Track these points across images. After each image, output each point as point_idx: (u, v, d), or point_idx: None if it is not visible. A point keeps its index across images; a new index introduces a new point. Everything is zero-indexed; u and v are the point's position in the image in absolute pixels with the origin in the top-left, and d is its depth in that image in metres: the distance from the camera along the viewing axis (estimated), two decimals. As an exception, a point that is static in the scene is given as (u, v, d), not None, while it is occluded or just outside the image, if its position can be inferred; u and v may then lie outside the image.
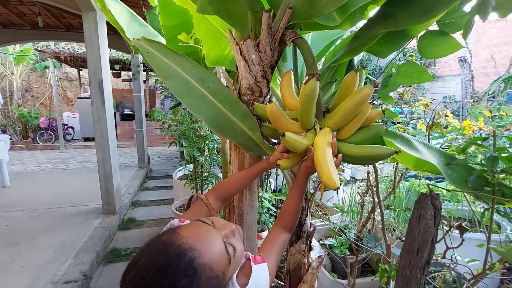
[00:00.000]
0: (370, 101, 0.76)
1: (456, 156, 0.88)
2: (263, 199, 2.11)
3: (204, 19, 1.36)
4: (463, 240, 1.00)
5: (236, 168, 1.05)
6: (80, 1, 3.06)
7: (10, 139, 9.63)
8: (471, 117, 2.95)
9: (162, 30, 1.58)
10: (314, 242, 1.95)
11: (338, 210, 2.68)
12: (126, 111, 11.26)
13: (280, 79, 1.03)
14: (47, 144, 9.53)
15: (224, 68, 1.32)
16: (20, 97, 10.65)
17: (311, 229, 1.18)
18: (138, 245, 3.25)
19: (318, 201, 3.16)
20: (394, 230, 1.89)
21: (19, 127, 9.99)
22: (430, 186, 0.95)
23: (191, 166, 2.82)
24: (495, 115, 1.41)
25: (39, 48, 7.82)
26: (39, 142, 9.53)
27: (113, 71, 10.48)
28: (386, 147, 0.74)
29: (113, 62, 9.10)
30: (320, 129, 0.84)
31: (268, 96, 1.06)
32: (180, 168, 3.55)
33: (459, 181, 0.88)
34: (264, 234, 2.00)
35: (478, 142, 0.91)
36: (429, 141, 1.20)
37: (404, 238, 1.85)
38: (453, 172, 0.86)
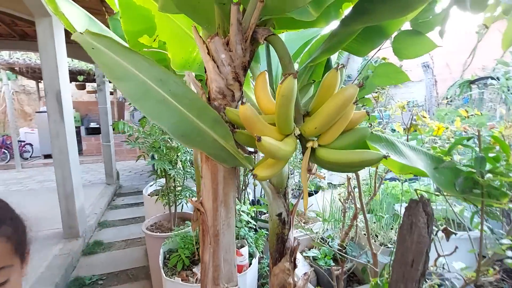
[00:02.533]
0: (354, 101, 0.69)
1: (442, 158, 0.83)
2: (241, 212, 1.98)
3: (168, 19, 1.24)
4: (456, 247, 0.95)
5: (209, 182, 0.93)
6: (32, 6, 2.79)
7: (-44, 160, 8.64)
8: (438, 119, 3.08)
9: (125, 37, 1.44)
10: (297, 255, 1.85)
11: (319, 218, 2.62)
12: (92, 125, 10.62)
13: (254, 82, 0.94)
14: (1, 164, 8.65)
15: (190, 72, 1.20)
16: (-32, 113, 9.64)
17: (295, 244, 1.08)
18: (105, 271, 2.95)
19: (297, 210, 3.09)
20: (377, 236, 1.86)
21: (-34, 146, 8.98)
22: (419, 191, 0.89)
23: (163, 180, 2.62)
24: (472, 115, 1.44)
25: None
26: (-10, 162, 8.62)
27: (77, 82, 9.88)
28: (375, 151, 0.66)
29: (76, 73, 8.57)
30: (300, 134, 0.75)
31: (242, 101, 0.95)
32: (152, 183, 3.31)
33: (447, 184, 0.83)
34: (244, 250, 1.86)
35: (464, 142, 0.88)
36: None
37: (388, 244, 1.81)
38: (440, 175, 0.81)
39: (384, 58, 1.48)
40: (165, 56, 1.52)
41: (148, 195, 3.16)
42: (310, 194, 2.97)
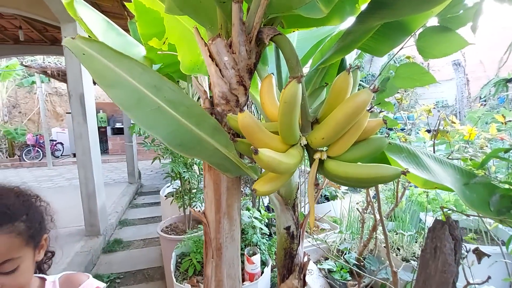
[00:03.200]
0: (368, 108, 0.61)
1: (474, 172, 0.72)
2: (254, 219, 1.92)
3: (176, 21, 1.22)
4: (489, 277, 0.83)
5: (212, 192, 0.88)
6: (57, 11, 2.91)
7: (-4, 157, 9.33)
8: (470, 122, 2.83)
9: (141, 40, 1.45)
10: (311, 266, 1.76)
11: (337, 225, 2.50)
12: (118, 125, 11.04)
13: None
14: (34, 162, 9.22)
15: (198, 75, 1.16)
16: (6, 114, 10.38)
17: (305, 260, 1.00)
18: (123, 269, 3.01)
19: (315, 215, 2.98)
20: (398, 250, 1.72)
21: (5, 145, 9.68)
22: (445, 209, 0.78)
23: (179, 182, 2.63)
24: (510, 120, 1.27)
25: (25, 63, 7.63)
26: (25, 160, 9.22)
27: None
28: (391, 167, 0.58)
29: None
30: (307, 144, 0.67)
31: (247, 106, 0.89)
32: (169, 184, 3.35)
33: (479, 203, 0.72)
34: (256, 258, 1.80)
35: (500, 154, 0.76)
36: (434, 152, 1.04)
37: (410, 260, 1.67)
38: (472, 193, 0.70)
39: (408, 57, 1.35)
40: (178, 60, 1.50)
41: (165, 196, 3.19)
42: (326, 199, 2.85)
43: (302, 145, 0.68)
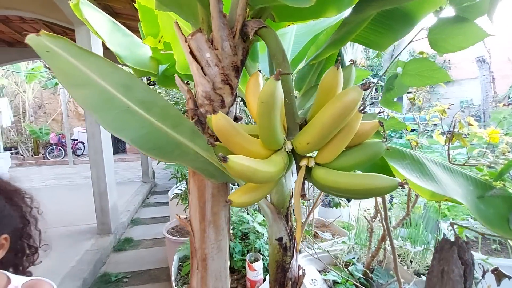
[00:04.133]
0: (360, 108, 0.52)
1: (491, 183, 0.62)
2: (257, 224, 1.85)
3: (169, 18, 1.17)
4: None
5: (196, 199, 0.82)
6: (70, 14, 2.98)
7: (21, 155, 9.82)
8: (495, 123, 2.61)
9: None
10: (316, 275, 1.67)
11: (346, 231, 2.38)
12: (134, 125, 11.30)
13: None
14: (57, 160, 9.62)
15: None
16: (32, 114, 10.90)
17: (300, 273, 0.92)
18: (130, 269, 3.03)
19: (324, 220, 2.87)
20: (411, 262, 1.59)
21: (30, 144, 10.16)
22: (455, 226, 0.68)
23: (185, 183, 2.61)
24: None
25: (47, 66, 7.95)
26: (49, 158, 9.64)
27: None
28: (388, 177, 0.49)
29: (120, 77, 9.21)
30: (292, 149, 0.60)
31: (234, 107, 0.83)
32: (178, 184, 3.34)
33: (496, 219, 0.61)
34: (258, 264, 1.73)
35: (524, 163, 0.65)
36: (449, 158, 0.93)
37: (424, 274, 1.54)
38: (488, 208, 0.60)
39: (421, 53, 1.24)
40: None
41: (172, 196, 3.19)
42: (337, 206, 2.73)
43: (287, 150, 0.60)
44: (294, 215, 0.72)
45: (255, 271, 1.73)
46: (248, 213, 1.97)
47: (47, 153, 9.71)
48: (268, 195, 0.91)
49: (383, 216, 1.23)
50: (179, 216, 0.88)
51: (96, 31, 1.61)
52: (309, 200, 0.69)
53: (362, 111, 0.53)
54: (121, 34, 1.91)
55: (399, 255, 1.55)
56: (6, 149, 9.21)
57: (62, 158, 9.76)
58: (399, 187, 0.48)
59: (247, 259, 1.77)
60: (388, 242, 1.50)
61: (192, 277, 0.87)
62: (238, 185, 0.87)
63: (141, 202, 5.25)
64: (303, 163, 0.59)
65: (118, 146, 11.25)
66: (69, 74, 0.56)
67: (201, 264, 0.84)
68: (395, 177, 0.59)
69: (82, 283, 2.55)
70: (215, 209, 0.83)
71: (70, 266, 2.76)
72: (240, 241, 1.97)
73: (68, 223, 3.81)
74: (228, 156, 0.47)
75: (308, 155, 0.61)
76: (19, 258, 0.84)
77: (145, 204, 5.30)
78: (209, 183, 0.81)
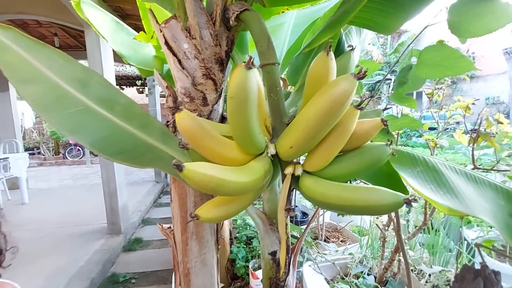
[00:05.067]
0: (357, 104, 0.42)
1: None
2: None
3: (161, 11, 1.10)
4: None
5: (177, 208, 0.74)
6: (79, 16, 3.00)
7: (43, 155, 10.22)
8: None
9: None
10: (324, 285, 1.55)
11: (358, 236, 2.24)
12: (149, 125, 11.48)
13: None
14: (75, 160, 9.93)
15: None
16: (53, 116, 11.33)
17: (297, 292, 0.82)
18: (138, 269, 3.02)
19: (336, 224, 2.72)
20: (429, 275, 1.43)
21: (51, 144, 10.56)
22: (481, 249, 0.55)
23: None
24: None
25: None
26: (68, 158, 9.97)
27: (136, 87, 10.83)
28: (388, 191, 0.38)
29: (134, 78, 9.36)
30: (276, 154, 0.50)
31: (221, 105, 0.74)
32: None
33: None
34: (260, 272, 1.63)
35: None
36: (473, 162, 0.79)
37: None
38: (524, 227, 0.47)
39: (441, 41, 1.09)
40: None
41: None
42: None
43: (269, 155, 0.50)
44: (279, 250, 0.61)
45: (258, 279, 1.63)
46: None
47: (66, 153, 10.05)
48: (260, 204, 0.81)
49: (395, 227, 1.10)
50: (161, 226, 0.80)
51: (98, 30, 1.56)
52: (295, 215, 0.59)
53: (359, 107, 0.42)
54: (124, 33, 1.85)
55: (415, 267, 1.41)
56: (28, 149, 9.62)
57: (80, 158, 10.07)
58: (405, 205, 0.37)
59: (250, 267, 1.68)
60: (401, 254, 1.36)
61: (175, 294, 0.79)
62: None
63: (153, 202, 5.28)
64: (288, 170, 0.49)
65: (134, 146, 11.47)
66: (17, 69, 0.49)
67: (184, 279, 0.76)
68: (405, 187, 0.48)
69: (89, 283, 2.55)
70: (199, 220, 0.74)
71: (79, 265, 2.77)
72: (245, 246, 1.88)
73: (80, 222, 3.86)
74: (184, 163, 0.38)
75: (295, 160, 0.50)
76: None
77: (156, 204, 5.32)
78: (191, 191, 0.72)
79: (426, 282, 1.37)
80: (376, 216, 1.39)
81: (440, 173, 0.52)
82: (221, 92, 0.72)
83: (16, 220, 4.03)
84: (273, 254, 0.81)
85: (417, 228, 1.14)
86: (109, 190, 3.53)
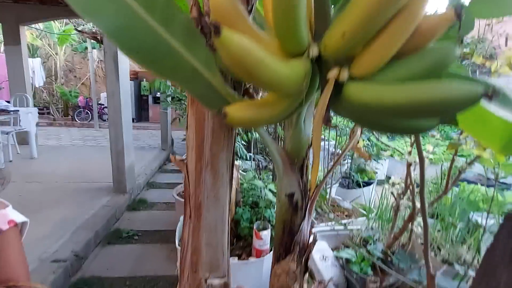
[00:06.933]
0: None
1: None
2: (268, 191, 1.72)
3: None
4: None
5: (193, 134, 0.68)
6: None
7: (52, 115, 10.31)
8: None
9: None
10: (328, 252, 1.53)
11: (364, 212, 2.20)
12: (159, 94, 11.42)
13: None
14: (84, 122, 10.02)
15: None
16: (62, 77, 11.30)
17: (310, 240, 0.78)
18: (142, 227, 3.08)
19: (340, 199, 2.69)
20: (439, 249, 1.39)
21: (61, 105, 10.63)
22: None
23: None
24: None
25: (79, 29, 8.07)
26: (77, 120, 10.06)
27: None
28: (460, 82, 0.31)
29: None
30: (320, 56, 0.42)
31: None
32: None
33: None
34: (265, 233, 1.62)
35: None
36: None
37: (454, 263, 1.34)
38: None
39: None
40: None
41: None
42: (358, 185, 2.52)
43: (311, 56, 0.43)
44: (312, 167, 0.55)
45: (262, 240, 1.62)
46: (260, 179, 1.84)
47: (75, 115, 10.12)
48: (281, 142, 0.75)
49: (415, 191, 1.04)
50: (175, 156, 0.75)
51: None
52: (334, 127, 0.54)
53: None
54: None
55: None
56: (38, 108, 9.70)
57: (89, 121, 10.15)
58: (486, 96, 0.30)
59: (254, 227, 1.66)
60: (414, 223, 1.32)
61: (183, 228, 0.76)
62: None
63: (158, 167, 5.33)
64: (332, 74, 0.42)
65: (142, 114, 11.50)
66: None
67: (194, 212, 0.72)
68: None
69: (94, 235, 2.61)
70: (215, 149, 0.68)
71: (85, 218, 2.83)
72: (250, 209, 1.86)
73: (87, 179, 3.92)
74: (223, 27, 0.31)
75: (337, 63, 0.43)
76: None
77: (162, 170, 5.37)
78: (211, 116, 0.66)
79: (436, 254, 1.33)
80: (392, 183, 1.33)
81: (506, 95, 0.44)
82: (253, 5, 0.64)
83: (24, 172, 4.11)
84: (291, 196, 0.76)
85: (437, 196, 1.09)
86: (117, 149, 3.54)
